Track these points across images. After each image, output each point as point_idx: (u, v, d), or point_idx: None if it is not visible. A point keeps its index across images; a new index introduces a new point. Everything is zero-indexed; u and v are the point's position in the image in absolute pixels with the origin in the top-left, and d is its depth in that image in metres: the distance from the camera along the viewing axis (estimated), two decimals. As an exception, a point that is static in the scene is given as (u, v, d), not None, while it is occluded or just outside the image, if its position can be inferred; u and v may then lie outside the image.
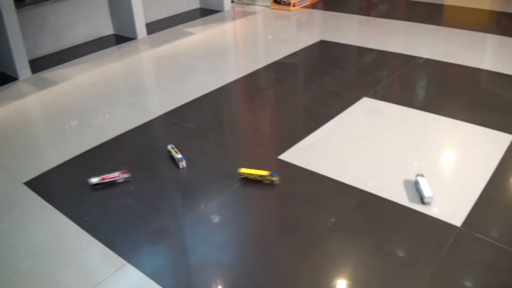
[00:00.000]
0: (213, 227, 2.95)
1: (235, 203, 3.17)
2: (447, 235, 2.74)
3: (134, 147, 3.86)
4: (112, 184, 3.35)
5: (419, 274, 2.50)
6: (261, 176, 3.27)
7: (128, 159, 3.66)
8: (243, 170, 3.30)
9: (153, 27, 6.76)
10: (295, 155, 3.59)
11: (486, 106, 4.22)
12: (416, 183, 3.16)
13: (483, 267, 2.56)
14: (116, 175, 3.36)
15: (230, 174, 3.40)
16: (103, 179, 3.34)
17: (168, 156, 3.58)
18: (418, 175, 3.19)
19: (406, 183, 3.22)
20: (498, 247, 2.66)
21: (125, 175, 3.38)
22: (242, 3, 7.98)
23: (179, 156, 3.50)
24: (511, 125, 3.85)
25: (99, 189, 3.29)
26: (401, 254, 2.68)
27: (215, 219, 3.02)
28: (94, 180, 3.32)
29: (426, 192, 3.04)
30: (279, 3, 7.55)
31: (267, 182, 3.27)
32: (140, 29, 6.43)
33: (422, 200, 3.03)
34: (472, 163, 3.44)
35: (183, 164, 3.46)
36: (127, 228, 2.92)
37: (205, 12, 7.53)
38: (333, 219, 2.91)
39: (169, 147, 3.62)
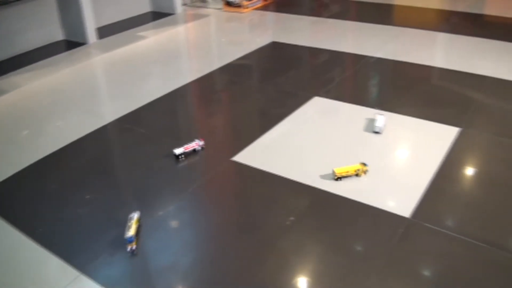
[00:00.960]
0: (170, 231, 2.95)
1: (191, 206, 3.17)
2: (397, 226, 2.82)
3: (87, 154, 3.80)
4: (193, 152, 3.64)
5: (373, 265, 2.57)
6: (356, 170, 3.29)
7: (82, 166, 3.62)
8: (338, 171, 3.26)
9: (104, 32, 6.69)
10: (247, 156, 3.62)
11: (434, 102, 4.35)
12: (374, 117, 3.93)
13: (433, 255, 2.65)
14: (196, 144, 3.63)
15: (184, 177, 3.41)
16: (186, 148, 3.59)
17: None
18: (378, 113, 3.94)
19: (358, 178, 3.29)
20: (447, 235, 2.76)
21: (202, 143, 3.65)
22: (194, 6, 7.98)
23: (129, 234, 2.76)
24: (457, 118, 3.99)
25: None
26: (354, 248, 2.73)
27: (172, 223, 3.01)
28: (178, 151, 3.55)
29: (378, 123, 3.82)
30: (230, 5, 7.58)
31: (362, 174, 3.30)
32: (91, 34, 6.36)
33: (374, 130, 3.80)
34: (421, 156, 3.55)
35: (131, 246, 2.73)
36: (81, 238, 2.88)
37: (156, 16, 7.50)
38: (289, 218, 2.95)
39: (130, 215, 2.90)
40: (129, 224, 2.82)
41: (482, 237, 2.73)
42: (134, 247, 2.73)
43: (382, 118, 3.89)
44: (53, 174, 3.54)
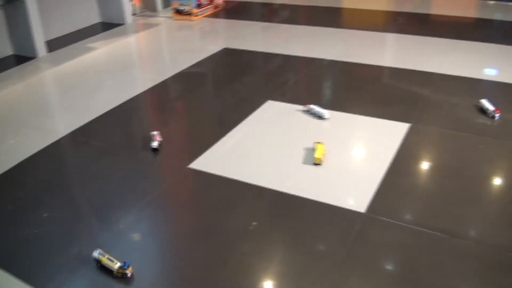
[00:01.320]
0: (130, 244, 2.92)
1: (150, 216, 3.15)
2: (353, 222, 2.89)
3: (42, 171, 3.73)
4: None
5: (333, 262, 2.62)
6: (324, 149, 3.57)
7: (37, 184, 3.55)
8: (320, 155, 3.47)
9: (54, 45, 6.58)
10: (204, 163, 3.63)
11: (384, 100, 4.47)
12: (309, 109, 4.20)
13: (391, 247, 2.73)
14: (158, 135, 3.90)
15: (143, 188, 3.40)
16: (158, 140, 3.84)
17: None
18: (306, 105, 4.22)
19: (313, 177, 3.35)
20: (402, 226, 2.85)
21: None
22: (144, 16, 7.94)
23: (118, 264, 2.65)
24: (407, 114, 4.12)
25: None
26: (314, 246, 2.78)
27: (132, 235, 2.98)
28: (155, 144, 3.79)
29: (321, 110, 4.13)
30: (181, 13, 7.59)
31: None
32: (41, 48, 6.25)
33: (321, 117, 4.11)
34: (373, 152, 3.66)
35: (130, 271, 2.63)
36: (41, 258, 2.80)
37: (106, 26, 7.42)
38: (250, 222, 2.98)
39: (97, 253, 2.72)
40: (105, 258, 2.67)
41: (437, 226, 2.83)
42: (131, 272, 2.63)
43: (317, 107, 4.19)
44: (7, 194, 3.45)
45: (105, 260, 2.68)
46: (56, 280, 2.63)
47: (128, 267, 2.62)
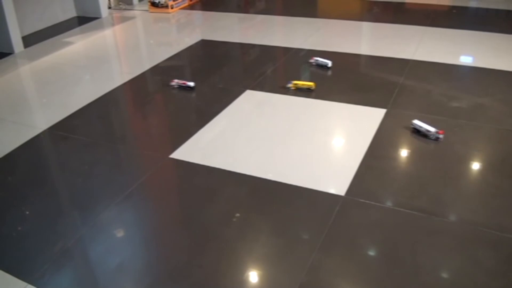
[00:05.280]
0: (113, 236, 2.95)
1: (133, 207, 3.18)
2: (333, 205, 2.96)
3: (22, 168, 3.72)
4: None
5: (314, 243, 2.69)
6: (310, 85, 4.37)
7: (18, 181, 3.54)
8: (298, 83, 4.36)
9: (30, 40, 6.53)
10: (185, 153, 3.67)
11: (361, 87, 4.54)
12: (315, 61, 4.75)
13: (369, 227, 2.80)
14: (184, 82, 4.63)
15: (125, 179, 3.42)
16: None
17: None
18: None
19: (293, 163, 3.41)
20: (381, 207, 2.94)
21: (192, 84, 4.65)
22: (120, 9, 7.91)
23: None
24: (383, 100, 4.19)
25: None
26: (295, 229, 2.84)
27: (114, 227, 3.01)
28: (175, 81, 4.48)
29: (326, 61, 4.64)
30: (157, 6, 7.57)
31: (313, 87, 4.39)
32: (17, 43, 6.20)
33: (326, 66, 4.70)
34: (352, 138, 3.73)
35: None
36: (26, 253, 2.80)
37: (82, 20, 7.38)
38: (230, 209, 3.03)
39: None
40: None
41: (414, 206, 2.92)
42: None
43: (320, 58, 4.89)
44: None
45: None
46: (43, 272, 2.65)
47: None
